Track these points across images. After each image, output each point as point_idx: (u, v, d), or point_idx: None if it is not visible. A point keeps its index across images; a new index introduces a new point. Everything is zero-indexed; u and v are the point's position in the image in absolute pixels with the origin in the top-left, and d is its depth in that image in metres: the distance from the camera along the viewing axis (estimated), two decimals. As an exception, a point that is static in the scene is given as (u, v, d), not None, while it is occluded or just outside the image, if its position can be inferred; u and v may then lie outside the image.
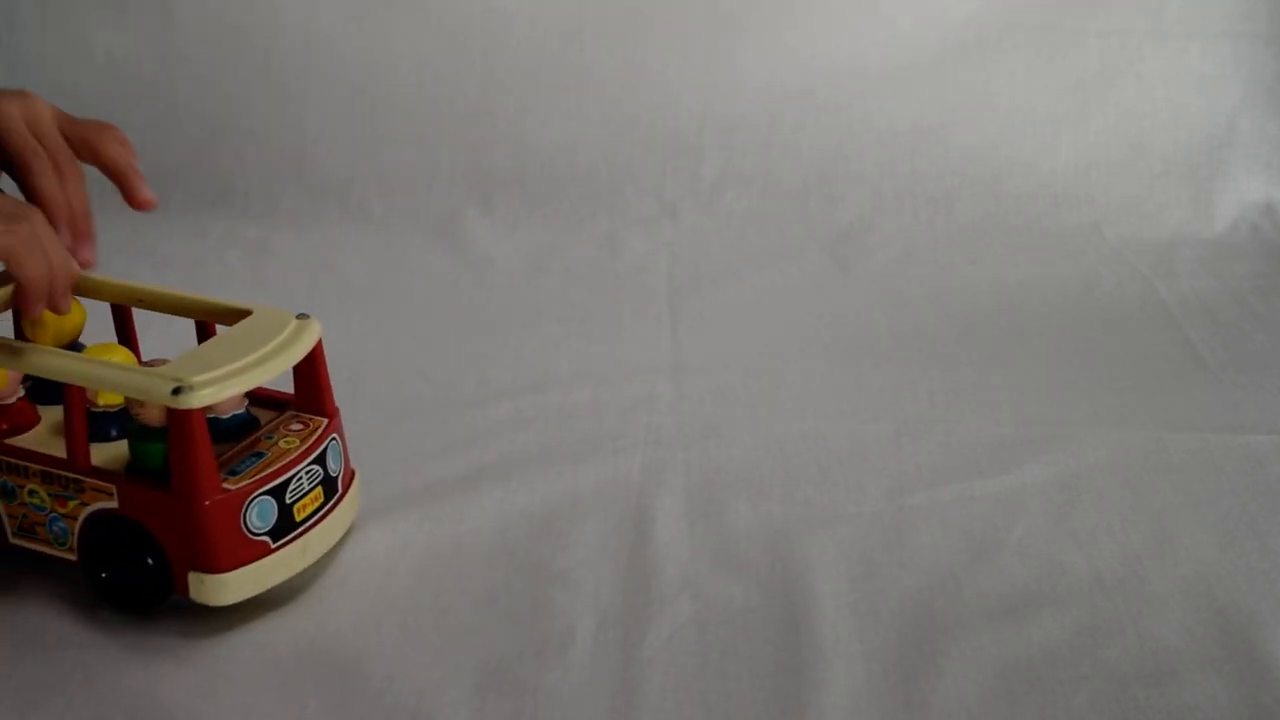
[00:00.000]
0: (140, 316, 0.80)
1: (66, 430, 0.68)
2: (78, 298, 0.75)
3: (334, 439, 0.74)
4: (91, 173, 0.72)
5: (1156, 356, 1.03)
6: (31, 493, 0.70)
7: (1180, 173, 1.32)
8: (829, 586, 0.73)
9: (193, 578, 0.67)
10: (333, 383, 0.96)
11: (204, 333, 0.77)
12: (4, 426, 0.73)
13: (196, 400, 0.64)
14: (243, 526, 0.67)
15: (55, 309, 0.68)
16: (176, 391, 0.64)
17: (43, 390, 0.77)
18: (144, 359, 0.77)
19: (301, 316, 0.73)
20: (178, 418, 0.65)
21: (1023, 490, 0.83)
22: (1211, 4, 1.33)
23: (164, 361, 0.71)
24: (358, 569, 0.75)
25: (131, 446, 0.69)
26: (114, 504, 0.68)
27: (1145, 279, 1.18)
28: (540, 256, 1.22)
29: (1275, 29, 1.33)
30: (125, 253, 1.19)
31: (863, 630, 0.70)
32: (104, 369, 0.67)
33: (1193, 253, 1.23)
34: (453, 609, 0.72)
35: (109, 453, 0.70)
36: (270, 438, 0.72)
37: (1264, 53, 1.33)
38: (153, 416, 0.67)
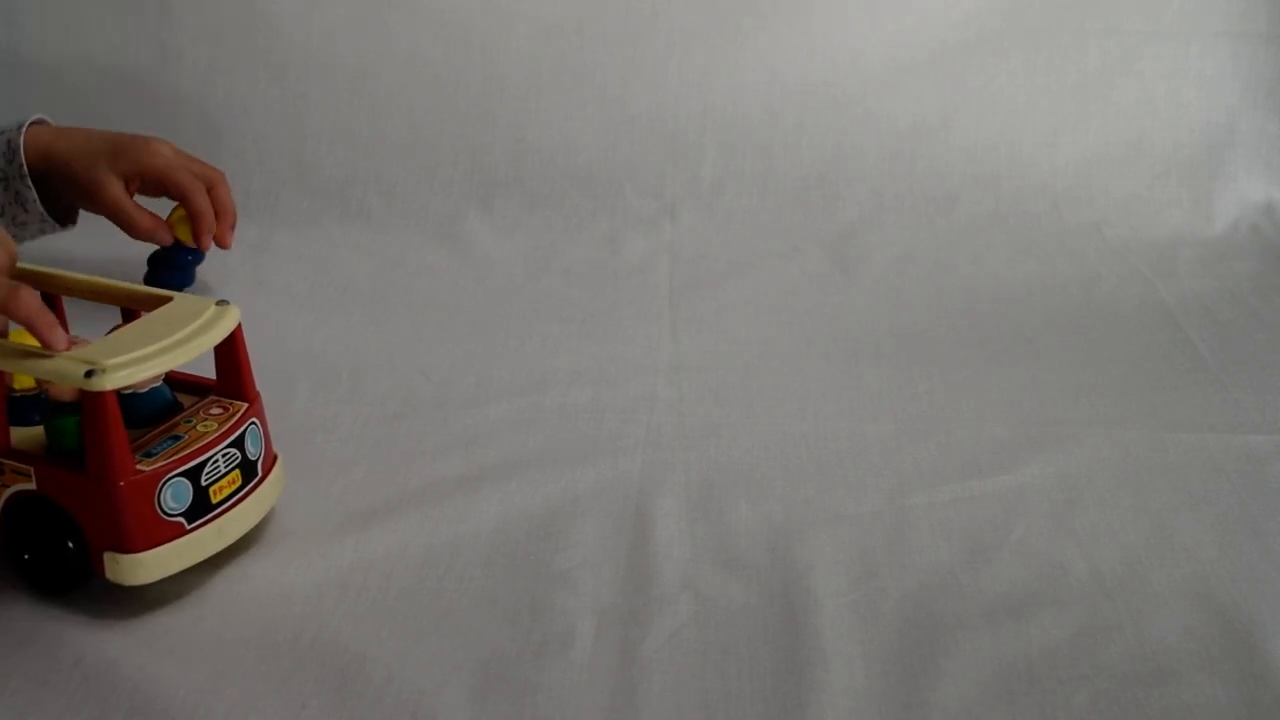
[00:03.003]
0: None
1: None
2: None
3: (253, 423, 0.75)
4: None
5: (1156, 356, 1.03)
6: None
7: (1180, 173, 1.32)
8: (829, 586, 0.73)
9: (108, 558, 0.68)
10: (333, 383, 0.97)
11: (130, 319, 0.78)
12: None
13: (109, 383, 0.66)
14: (157, 507, 0.68)
15: None
16: (89, 374, 0.65)
17: None
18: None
19: (221, 303, 0.74)
20: (90, 400, 0.66)
21: (1023, 490, 0.83)
22: (1211, 4, 1.33)
23: (73, 339, 0.72)
24: (358, 569, 0.75)
25: (45, 424, 0.70)
26: (32, 485, 0.69)
27: (1145, 279, 1.18)
28: (540, 256, 1.22)
29: (1275, 29, 1.33)
30: (125, 252, 1.19)
31: (863, 630, 0.70)
32: (18, 352, 0.68)
33: (1193, 253, 1.23)
34: (453, 609, 0.72)
35: (30, 436, 0.72)
36: (189, 421, 0.73)
37: (1264, 53, 1.33)
38: (65, 392, 0.69)
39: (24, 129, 1.02)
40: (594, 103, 1.34)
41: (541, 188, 1.31)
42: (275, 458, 0.78)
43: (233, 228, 1.08)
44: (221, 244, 1.07)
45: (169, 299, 0.74)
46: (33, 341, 0.73)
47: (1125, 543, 0.78)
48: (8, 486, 0.70)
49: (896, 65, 1.34)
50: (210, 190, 1.06)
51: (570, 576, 0.74)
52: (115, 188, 1.03)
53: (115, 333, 0.72)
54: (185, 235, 1.06)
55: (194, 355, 0.70)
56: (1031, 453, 0.88)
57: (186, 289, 1.10)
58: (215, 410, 0.75)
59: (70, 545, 0.69)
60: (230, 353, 0.75)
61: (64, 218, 1.07)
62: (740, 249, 1.24)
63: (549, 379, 0.98)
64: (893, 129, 1.33)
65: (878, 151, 1.33)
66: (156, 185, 1.05)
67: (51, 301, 0.81)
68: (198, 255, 1.09)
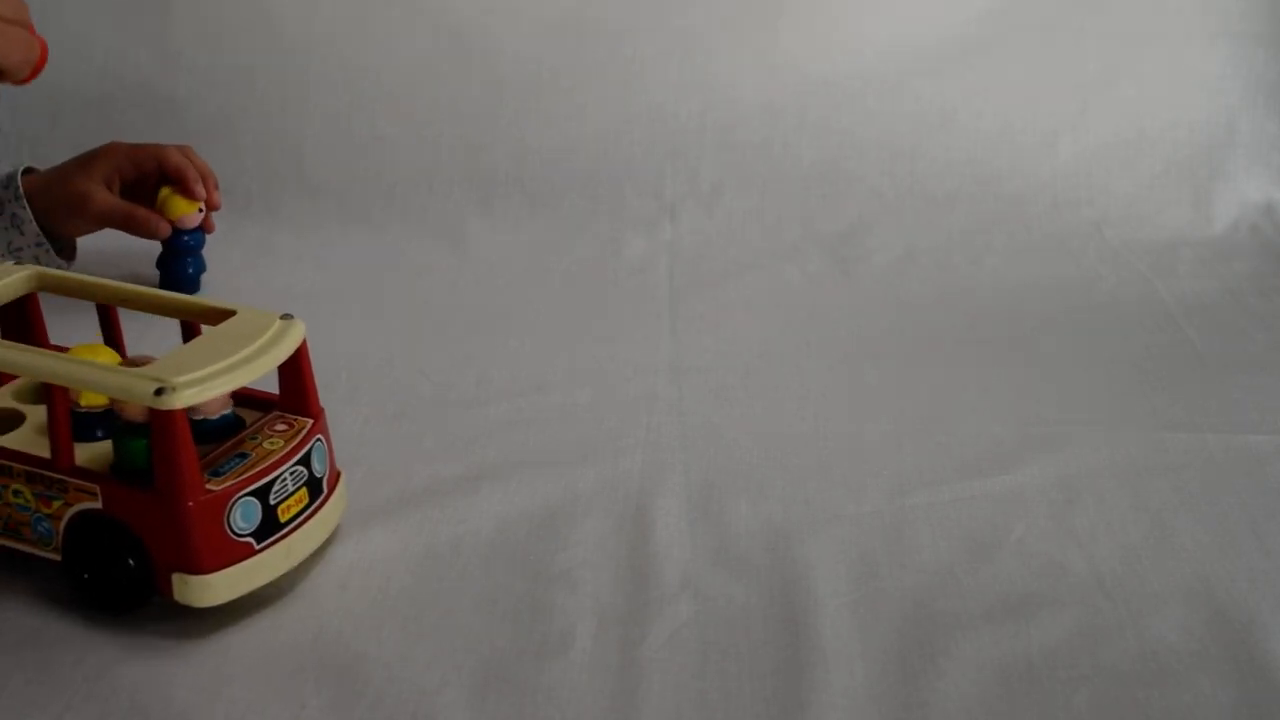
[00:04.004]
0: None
1: (50, 430, 0.68)
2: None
3: (319, 440, 0.74)
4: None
5: (1156, 356, 1.03)
6: (16, 493, 0.70)
7: (1180, 173, 1.32)
8: (829, 586, 0.73)
9: (176, 579, 0.67)
10: (333, 383, 0.97)
11: (189, 333, 0.77)
12: None
13: (179, 401, 0.64)
14: (226, 527, 0.67)
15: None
16: (159, 392, 0.64)
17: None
18: (128, 356, 0.78)
19: (286, 317, 0.73)
20: (160, 419, 0.65)
21: (1023, 490, 0.83)
22: (1211, 4, 1.33)
23: (148, 358, 0.71)
24: (358, 569, 0.75)
25: (115, 443, 0.69)
26: (98, 504, 0.68)
27: (1145, 279, 1.18)
28: (540, 257, 1.22)
29: (1275, 29, 1.33)
30: (126, 253, 1.19)
31: (863, 630, 0.70)
32: (86, 369, 0.67)
33: (1193, 253, 1.23)
34: (453, 609, 0.72)
35: (94, 453, 0.70)
36: (255, 438, 0.72)
37: (1264, 53, 1.33)
38: (136, 413, 0.67)
39: (21, 168, 1.08)
40: (594, 103, 1.34)
41: (541, 188, 1.31)
42: (339, 474, 0.77)
43: (217, 187, 1.11)
44: (212, 204, 1.10)
45: (231, 313, 0.73)
46: (105, 358, 0.72)
47: (1125, 543, 0.78)
48: (71, 505, 0.68)
49: (897, 65, 1.34)
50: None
51: (570, 576, 0.74)
52: (102, 191, 1.07)
53: (182, 349, 0.70)
54: (177, 209, 1.08)
55: (263, 372, 0.69)
56: (1031, 453, 0.88)
57: (202, 275, 1.12)
58: (280, 426, 0.73)
59: (131, 563, 0.67)
60: (295, 368, 0.73)
61: (61, 250, 1.10)
62: (740, 249, 1.24)
63: (549, 379, 0.98)
64: (893, 129, 1.33)
65: (878, 151, 1.33)
66: (134, 174, 1.09)
67: (107, 314, 0.80)
68: (196, 236, 1.10)
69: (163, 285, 1.10)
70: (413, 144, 1.32)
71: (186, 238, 1.10)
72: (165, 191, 1.08)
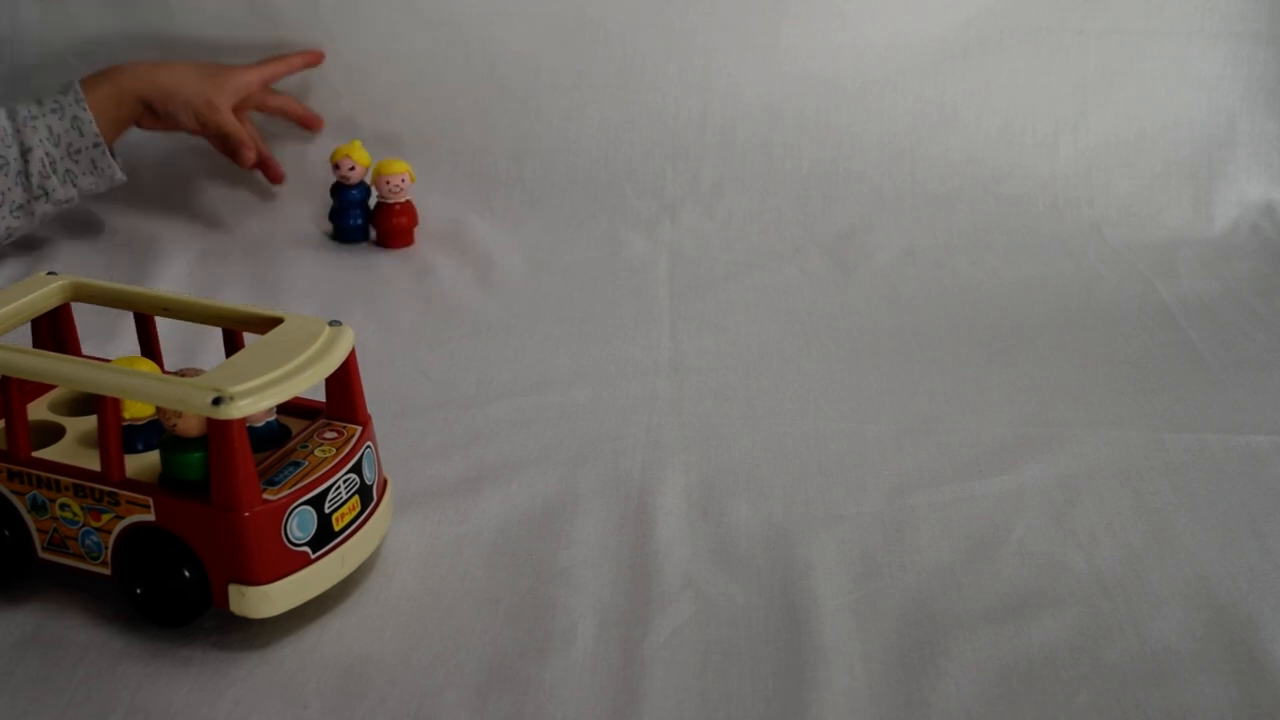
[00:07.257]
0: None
1: (101, 442, 0.67)
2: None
3: (369, 447, 0.73)
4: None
5: (1156, 356, 1.03)
6: (63, 506, 0.69)
7: (1180, 173, 1.32)
8: (829, 586, 0.73)
9: (233, 590, 0.66)
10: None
11: (230, 341, 0.76)
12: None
13: (236, 410, 0.63)
14: (283, 537, 0.66)
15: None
16: (216, 402, 0.63)
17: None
18: (166, 369, 0.77)
19: (334, 323, 0.72)
20: (218, 428, 0.64)
21: (1023, 490, 0.84)
22: (1211, 4, 1.33)
23: (194, 371, 0.70)
24: (358, 570, 0.75)
25: (167, 458, 0.68)
26: (151, 516, 0.67)
27: (1145, 279, 1.18)
28: (540, 256, 1.22)
29: (1275, 29, 1.33)
30: (127, 253, 1.19)
31: (863, 630, 0.70)
32: (142, 380, 0.66)
33: (1193, 253, 1.23)
34: (454, 609, 0.72)
35: (139, 466, 0.70)
36: (305, 446, 0.71)
37: (1264, 53, 1.33)
38: (190, 427, 0.66)
39: (83, 101, 1.11)
40: (594, 103, 1.34)
41: (541, 188, 1.31)
42: (385, 481, 0.76)
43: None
44: (312, 124, 1.31)
45: (279, 320, 0.72)
46: (146, 370, 0.71)
47: (1125, 543, 0.78)
48: (123, 518, 0.68)
49: (897, 65, 1.34)
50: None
51: (571, 575, 0.74)
52: (227, 109, 1.18)
53: (235, 358, 0.69)
54: (357, 156, 1.22)
55: (317, 380, 0.68)
56: (1031, 453, 0.88)
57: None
58: (329, 434, 0.72)
59: (187, 575, 0.67)
60: (343, 375, 0.73)
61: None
62: (740, 249, 1.24)
63: (549, 379, 0.98)
64: (893, 129, 1.33)
65: (878, 151, 1.33)
66: (255, 104, 1.25)
67: (145, 324, 0.79)
68: (363, 189, 1.23)
69: (336, 237, 1.24)
70: (413, 144, 1.32)
71: (354, 191, 1.22)
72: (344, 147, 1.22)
